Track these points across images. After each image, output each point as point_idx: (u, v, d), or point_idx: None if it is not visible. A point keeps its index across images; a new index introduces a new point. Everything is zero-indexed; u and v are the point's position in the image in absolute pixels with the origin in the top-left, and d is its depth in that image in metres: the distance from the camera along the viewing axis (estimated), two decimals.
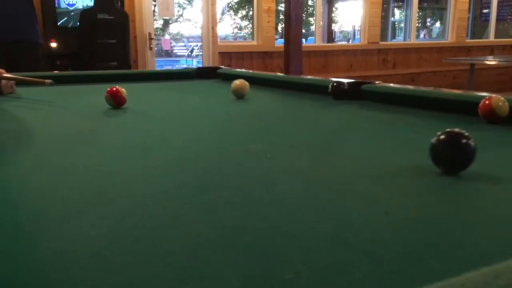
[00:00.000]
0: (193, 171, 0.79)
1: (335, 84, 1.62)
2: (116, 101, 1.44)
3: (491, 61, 5.57)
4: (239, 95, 1.67)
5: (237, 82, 1.69)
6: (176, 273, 0.42)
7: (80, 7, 4.17)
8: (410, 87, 1.55)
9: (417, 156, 0.88)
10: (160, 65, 9.72)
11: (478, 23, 8.40)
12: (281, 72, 4.55)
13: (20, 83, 1.93)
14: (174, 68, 3.25)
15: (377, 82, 1.64)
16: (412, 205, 0.61)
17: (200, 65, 4.58)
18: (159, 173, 0.78)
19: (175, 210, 0.59)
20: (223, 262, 0.44)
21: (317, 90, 1.76)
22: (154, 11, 5.27)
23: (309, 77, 2.03)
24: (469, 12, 7.36)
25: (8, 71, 1.88)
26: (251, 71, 2.41)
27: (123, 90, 1.46)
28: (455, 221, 0.55)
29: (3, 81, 1.85)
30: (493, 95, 1.18)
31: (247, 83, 1.69)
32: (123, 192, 0.67)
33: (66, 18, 4.15)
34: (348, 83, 1.63)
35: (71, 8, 4.18)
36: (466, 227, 0.53)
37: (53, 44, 3.97)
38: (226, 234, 0.51)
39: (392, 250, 0.47)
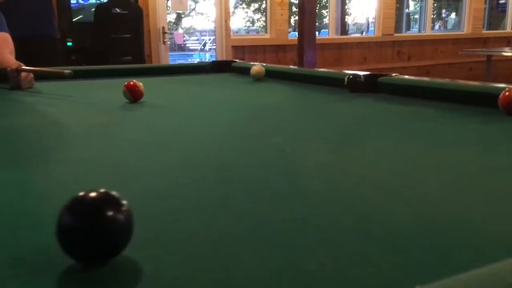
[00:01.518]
0: (213, 164, 0.80)
1: (351, 76, 1.61)
2: (134, 95, 1.46)
3: (508, 53, 5.47)
4: (256, 77, 2.10)
5: (255, 67, 2.11)
6: (201, 263, 0.43)
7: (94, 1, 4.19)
8: (427, 79, 1.54)
9: (437, 148, 0.88)
10: (173, 59, 9.74)
11: (495, 14, 8.25)
12: (295, 65, 4.54)
13: (39, 75, 1.96)
14: (189, 62, 3.26)
15: (393, 75, 1.62)
16: (433, 197, 0.61)
17: (213, 59, 4.59)
18: (179, 166, 0.78)
19: (196, 202, 0.60)
20: (247, 253, 0.45)
21: (332, 83, 1.75)
22: (167, 5, 5.27)
23: (323, 69, 2.03)
24: (485, 3, 7.23)
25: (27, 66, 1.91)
26: (264, 64, 2.41)
27: (140, 84, 1.47)
28: (479, 212, 0.55)
29: (22, 75, 1.87)
30: None
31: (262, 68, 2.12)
32: (145, 184, 0.68)
33: (80, 13, 4.18)
34: (364, 75, 1.62)
35: (85, 3, 4.20)
36: (492, 218, 0.53)
37: (68, 39, 4.01)
38: (249, 226, 0.52)
39: (415, 241, 0.47)
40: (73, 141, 1.01)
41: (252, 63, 2.48)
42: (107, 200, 0.43)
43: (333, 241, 0.47)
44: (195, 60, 11.17)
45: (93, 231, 0.40)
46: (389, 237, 0.48)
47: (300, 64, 4.26)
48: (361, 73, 1.67)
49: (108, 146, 0.95)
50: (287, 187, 0.66)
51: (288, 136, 1.02)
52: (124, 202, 0.43)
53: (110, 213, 0.41)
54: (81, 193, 0.43)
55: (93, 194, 0.42)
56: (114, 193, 0.43)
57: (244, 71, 2.35)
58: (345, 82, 1.61)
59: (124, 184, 0.68)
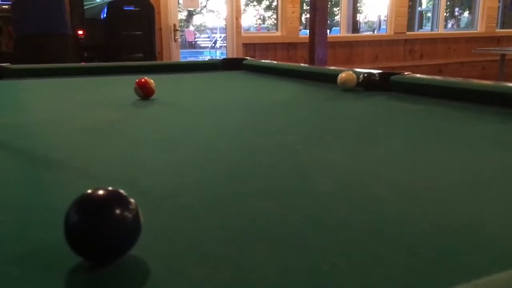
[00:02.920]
0: (224, 162, 0.79)
1: (365, 75, 1.60)
2: (145, 92, 1.46)
3: None
4: (345, 86, 1.62)
5: (343, 75, 1.62)
6: (212, 262, 0.42)
7: None
8: (440, 78, 1.52)
9: (450, 148, 0.87)
10: (184, 56, 9.75)
11: (509, 13, 8.14)
12: (305, 63, 4.52)
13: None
14: (199, 60, 3.27)
15: (406, 73, 1.61)
16: (446, 198, 0.60)
17: (224, 57, 4.59)
18: (190, 164, 0.78)
19: (208, 200, 0.60)
20: (259, 253, 0.44)
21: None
22: (178, 2, 5.28)
23: (334, 68, 2.01)
24: (499, 2, 7.14)
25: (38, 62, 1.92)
26: (275, 62, 2.40)
27: (152, 81, 1.47)
28: (494, 215, 0.54)
29: None
30: None
31: (352, 75, 1.61)
32: (156, 182, 0.68)
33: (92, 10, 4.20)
34: (378, 74, 1.61)
35: (98, 0, 4.22)
36: (507, 221, 0.52)
37: (80, 33, 4.03)
38: (260, 225, 0.51)
39: (429, 243, 0.46)
40: (84, 138, 1.02)
41: (264, 60, 2.47)
42: (115, 199, 0.42)
43: (346, 241, 0.46)
44: (206, 57, 11.19)
45: (101, 230, 0.40)
46: (402, 238, 0.47)
47: (311, 62, 4.25)
48: (375, 71, 1.65)
49: (119, 143, 0.96)
50: (299, 186, 0.65)
51: (300, 134, 1.01)
52: (132, 200, 0.43)
53: (118, 212, 0.41)
54: (90, 191, 0.43)
55: (102, 192, 0.42)
56: (122, 191, 0.43)
57: (255, 69, 2.34)
58: (360, 80, 1.60)
59: (134, 182, 0.68)
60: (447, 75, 5.38)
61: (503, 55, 5.22)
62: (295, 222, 0.52)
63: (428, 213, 0.54)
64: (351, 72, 1.63)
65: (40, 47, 3.06)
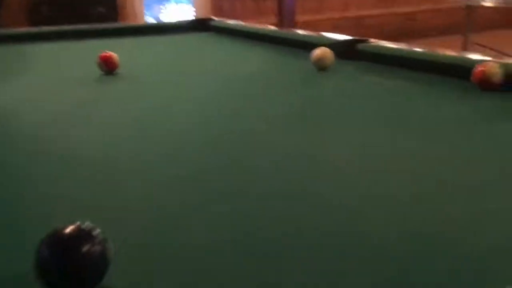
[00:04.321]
0: (187, 159, 0.79)
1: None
2: (108, 67, 1.42)
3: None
4: (320, 66, 1.41)
5: (318, 51, 1.41)
6: (176, 276, 0.44)
7: None
8: (406, 47, 1.53)
9: (410, 137, 0.86)
10: (149, 4, 9.30)
11: None
12: (275, 15, 4.42)
13: None
14: (164, 22, 3.13)
15: (372, 41, 1.60)
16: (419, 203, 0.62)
17: (191, 6, 4.42)
18: (152, 160, 0.78)
19: (172, 212, 0.60)
20: (222, 267, 0.45)
21: (312, 47, 1.71)
22: None
23: (304, 33, 1.95)
24: None
25: None
26: (243, 23, 2.34)
27: (115, 55, 1.43)
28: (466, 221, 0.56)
29: None
30: (489, 62, 1.16)
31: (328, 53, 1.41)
32: (110, 183, 0.68)
33: None
34: (344, 41, 1.61)
35: None
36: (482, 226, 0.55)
37: None
38: (226, 236, 0.52)
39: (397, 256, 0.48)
40: (42, 123, 0.98)
41: (230, 21, 2.39)
42: (81, 237, 0.43)
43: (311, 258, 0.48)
44: (171, 3, 10.70)
45: (71, 269, 0.42)
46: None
47: (279, 12, 4.18)
48: (341, 37, 1.65)
49: (78, 129, 0.94)
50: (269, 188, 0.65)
51: (266, 119, 1.00)
52: (98, 236, 0.43)
53: (85, 249, 0.42)
54: (59, 229, 0.43)
55: (68, 231, 0.43)
56: (86, 225, 0.44)
57: (222, 31, 2.28)
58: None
59: (86, 182, 0.69)
60: (419, 24, 5.27)
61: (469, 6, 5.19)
62: (265, 231, 0.54)
63: (402, 220, 0.56)
64: (327, 49, 1.42)
65: None
